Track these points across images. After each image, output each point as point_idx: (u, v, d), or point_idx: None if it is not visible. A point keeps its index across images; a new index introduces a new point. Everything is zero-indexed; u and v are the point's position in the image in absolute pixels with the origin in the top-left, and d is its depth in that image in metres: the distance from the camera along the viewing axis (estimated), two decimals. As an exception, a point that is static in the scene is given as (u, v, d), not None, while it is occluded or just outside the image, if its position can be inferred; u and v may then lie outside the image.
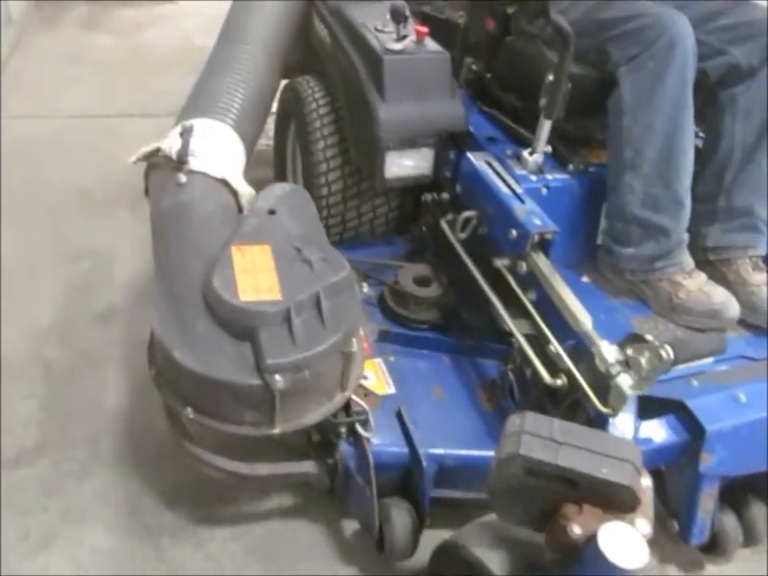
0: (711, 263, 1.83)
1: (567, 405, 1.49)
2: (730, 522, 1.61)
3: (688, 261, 1.74)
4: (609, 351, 1.36)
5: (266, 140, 2.73)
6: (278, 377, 1.36)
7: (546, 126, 1.72)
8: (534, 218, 1.59)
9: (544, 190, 1.76)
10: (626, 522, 1.14)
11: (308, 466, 1.59)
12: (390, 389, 1.71)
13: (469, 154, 1.81)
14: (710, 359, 1.42)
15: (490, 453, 1.63)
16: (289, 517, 1.76)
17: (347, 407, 1.60)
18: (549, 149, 1.79)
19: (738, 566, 1.70)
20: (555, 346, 1.49)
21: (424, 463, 1.52)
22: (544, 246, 1.59)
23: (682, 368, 1.44)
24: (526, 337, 1.60)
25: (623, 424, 1.37)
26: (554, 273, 1.55)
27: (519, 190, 1.68)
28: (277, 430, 1.46)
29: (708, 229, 1.83)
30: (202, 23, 4.11)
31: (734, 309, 1.67)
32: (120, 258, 2.46)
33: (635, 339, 1.34)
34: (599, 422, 1.38)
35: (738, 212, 1.80)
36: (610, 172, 1.73)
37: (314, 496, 1.75)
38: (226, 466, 1.53)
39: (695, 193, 1.83)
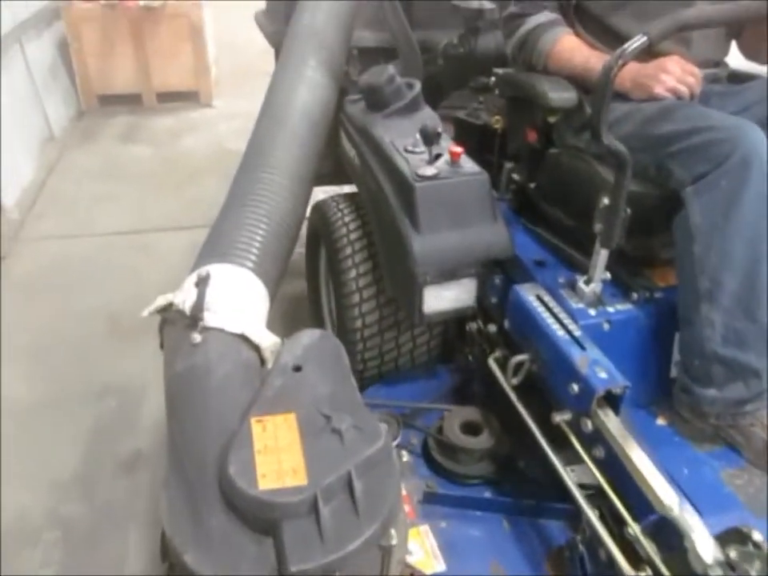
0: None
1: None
2: None
3: (782, 398, 1.48)
4: (706, 547, 1.11)
5: (299, 247, 2.60)
6: (302, 591, 1.15)
7: (603, 255, 1.51)
8: (599, 370, 1.36)
9: (606, 326, 1.54)
10: None
11: None
12: (440, 565, 1.47)
13: (517, 288, 1.61)
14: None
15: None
16: None
17: (391, 596, 1.37)
18: (607, 275, 1.57)
19: None
20: (634, 530, 1.24)
21: None
22: (613, 402, 1.36)
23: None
24: (600, 507, 1.36)
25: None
26: (626, 436, 1.31)
27: (577, 333, 1.46)
28: (307, 641, 1.24)
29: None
30: (235, 126, 4.09)
31: None
32: (148, 394, 2.32)
33: (738, 537, 1.09)
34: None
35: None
36: (683, 302, 1.50)
37: None
38: None
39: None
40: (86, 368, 2.44)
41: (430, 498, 1.59)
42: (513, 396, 1.56)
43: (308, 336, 1.62)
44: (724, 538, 1.11)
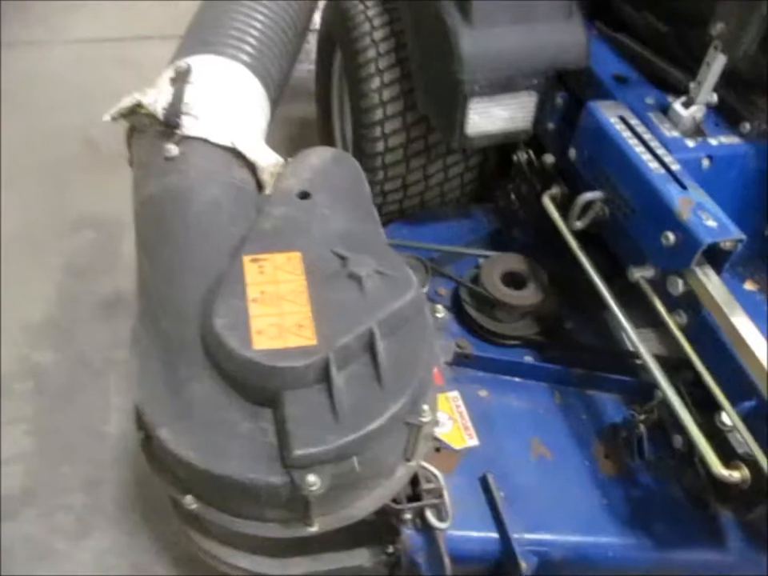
0: None
1: (751, 506, 0.99)
2: None
3: None
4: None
5: (308, 64, 2.19)
6: (311, 477, 0.89)
7: (717, 66, 1.13)
8: (706, 217, 1.03)
9: (705, 162, 1.19)
10: None
11: (360, 558, 1.15)
12: (472, 440, 1.24)
13: (593, 106, 1.23)
14: None
15: (611, 539, 1.19)
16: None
17: (415, 478, 1.14)
18: (714, 98, 1.20)
19: None
20: (732, 418, 0.97)
21: (521, 562, 1.07)
22: (717, 259, 1.05)
23: None
24: (683, 385, 1.09)
25: None
26: (732, 302, 1.01)
27: (675, 167, 1.11)
28: (314, 529, 1.01)
29: None
30: None
31: None
32: (130, 227, 1.99)
33: None
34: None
35: None
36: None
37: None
38: (247, 565, 1.10)
39: None
40: (60, 197, 2.11)
41: (461, 361, 1.32)
42: (573, 243, 1.24)
43: (318, 156, 1.26)
44: None
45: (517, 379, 1.33)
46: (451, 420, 1.26)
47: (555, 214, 1.30)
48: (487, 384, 1.32)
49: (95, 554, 1.36)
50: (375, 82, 1.48)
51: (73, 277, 1.86)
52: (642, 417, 1.18)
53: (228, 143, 1.15)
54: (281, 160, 1.25)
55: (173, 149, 1.11)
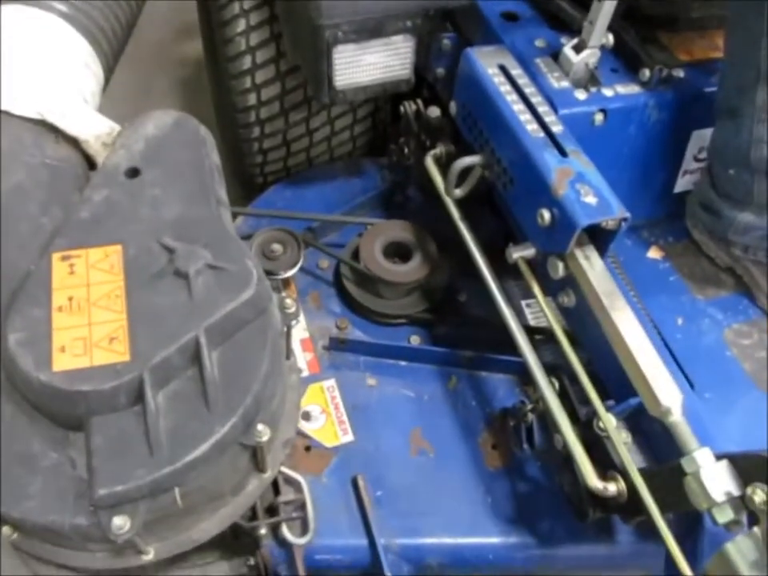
0: None
1: (623, 515, 0.90)
2: None
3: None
4: (714, 476, 0.74)
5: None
6: (117, 521, 0.77)
7: (608, 4, 0.96)
8: (585, 191, 0.88)
9: (599, 117, 1.04)
10: None
11: (218, 570, 1.05)
12: (347, 435, 1.13)
13: (470, 53, 1.06)
14: None
15: (493, 540, 1.10)
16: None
17: (275, 486, 1.03)
18: (609, 39, 1.03)
19: None
20: (607, 427, 0.86)
21: (386, 572, 0.98)
22: (600, 239, 0.91)
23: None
24: (561, 379, 0.98)
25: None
26: (615, 293, 0.88)
27: (557, 128, 0.96)
28: (150, 557, 0.90)
29: None
30: None
31: None
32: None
33: (757, 465, 0.72)
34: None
35: None
36: (728, 85, 1.00)
37: None
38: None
39: None
40: None
41: (339, 345, 1.20)
42: (453, 211, 1.10)
43: (156, 122, 1.08)
44: (743, 468, 0.73)
45: (402, 363, 1.21)
46: (324, 414, 1.14)
47: (437, 178, 1.15)
48: (368, 370, 1.20)
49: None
50: (240, 25, 1.28)
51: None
52: (531, 406, 1.07)
53: (35, 114, 0.97)
54: (116, 128, 1.07)
55: (-36, 124, 0.94)
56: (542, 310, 0.97)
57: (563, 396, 0.96)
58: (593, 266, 0.90)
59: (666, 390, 0.80)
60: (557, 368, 1.00)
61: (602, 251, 0.91)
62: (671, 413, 0.80)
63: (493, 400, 1.19)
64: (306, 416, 1.14)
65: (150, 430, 0.81)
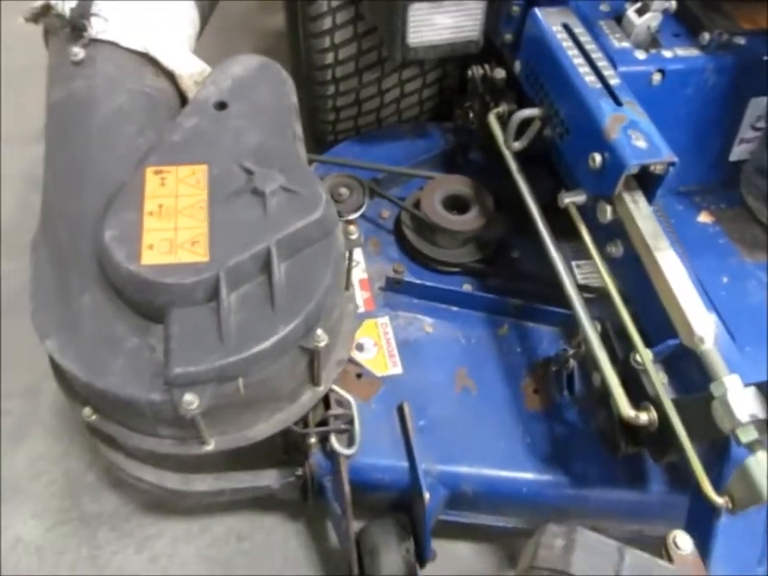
0: None
1: (657, 449, 0.94)
2: None
3: None
4: (740, 399, 0.78)
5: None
6: (188, 397, 0.87)
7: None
8: (637, 136, 0.94)
9: (657, 77, 1.09)
10: None
11: (268, 479, 1.14)
12: (396, 367, 1.20)
13: (537, 12, 1.12)
14: None
15: (527, 475, 1.16)
16: (259, 511, 1.36)
17: (327, 402, 1.11)
18: (672, 4, 1.08)
19: None
20: (643, 357, 0.91)
21: (425, 494, 1.04)
22: (648, 184, 0.96)
23: None
24: (603, 323, 1.03)
25: (747, 524, 0.81)
26: (660, 235, 0.93)
27: (614, 81, 1.01)
28: (210, 448, 1.00)
29: None
30: None
31: None
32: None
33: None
34: (706, 510, 0.83)
35: None
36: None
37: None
38: (152, 479, 1.10)
39: None
40: (21, 109, 2.05)
41: (394, 286, 1.27)
42: (512, 163, 1.16)
43: (243, 64, 1.18)
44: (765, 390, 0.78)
45: (453, 308, 1.27)
46: (376, 347, 1.22)
47: (498, 132, 1.21)
48: (420, 311, 1.27)
49: (29, 459, 1.39)
50: (324, -12, 1.38)
51: (32, 187, 1.82)
52: (572, 351, 1.13)
53: (140, 48, 1.09)
54: (207, 69, 1.18)
55: (79, 52, 1.05)
56: (590, 254, 1.02)
57: (605, 338, 1.01)
58: (640, 210, 0.95)
59: (700, 320, 0.85)
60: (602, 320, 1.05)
61: (650, 197, 0.96)
62: (704, 341, 0.84)
63: (538, 349, 1.24)
64: (360, 347, 1.22)
65: (222, 323, 0.90)
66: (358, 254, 1.32)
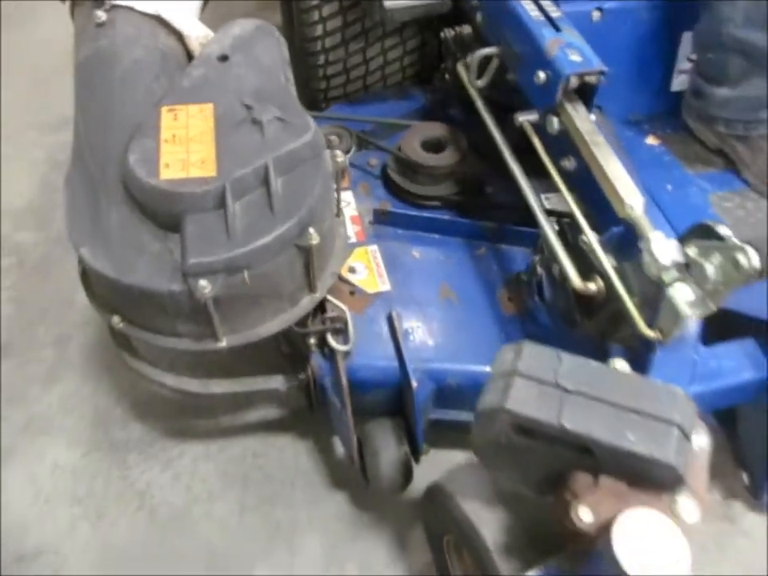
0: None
1: (606, 318, 1.09)
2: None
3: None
4: (663, 248, 0.93)
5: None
6: (202, 282, 1.03)
7: None
8: (572, 53, 1.11)
9: (596, 15, 1.26)
10: (661, 508, 0.78)
11: (276, 382, 1.29)
12: (385, 285, 1.35)
13: (490, -38, 1.31)
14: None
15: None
16: (273, 432, 1.50)
17: (323, 310, 1.27)
18: (609, -48, 1.26)
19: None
20: (588, 237, 1.07)
21: (413, 383, 1.19)
22: (585, 94, 1.13)
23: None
24: (560, 221, 1.18)
25: (677, 355, 0.96)
26: (595, 132, 1.09)
27: (555, 14, 1.18)
28: (223, 344, 1.15)
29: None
30: None
31: None
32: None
33: (704, 233, 0.91)
34: (643, 348, 0.98)
35: None
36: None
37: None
38: (171, 383, 1.25)
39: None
40: (46, 100, 2.26)
41: (381, 219, 1.43)
42: (477, 100, 1.33)
43: (242, 26, 1.37)
44: (687, 237, 0.93)
45: (435, 236, 1.43)
46: (367, 269, 1.38)
47: (465, 77, 1.38)
48: (406, 240, 1.42)
49: (62, 398, 1.54)
50: (311, -33, 1.57)
51: (55, 169, 2.02)
52: (538, 258, 1.28)
53: (153, 11, 1.27)
54: (211, 33, 1.36)
55: (102, 15, 1.24)
56: (546, 168, 1.18)
57: (561, 234, 1.17)
58: (580, 116, 1.11)
59: (629, 193, 1.00)
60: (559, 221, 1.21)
61: (588, 104, 1.12)
62: (633, 209, 0.99)
63: (512, 266, 1.39)
64: (352, 270, 1.37)
65: (228, 224, 1.07)
66: (349, 196, 1.48)
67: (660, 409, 0.78)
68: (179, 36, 1.31)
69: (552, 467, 0.85)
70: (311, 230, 1.11)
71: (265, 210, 1.09)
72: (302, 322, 1.23)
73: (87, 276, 1.22)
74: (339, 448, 1.45)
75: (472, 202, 1.45)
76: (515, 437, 0.82)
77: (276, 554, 1.34)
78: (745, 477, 1.13)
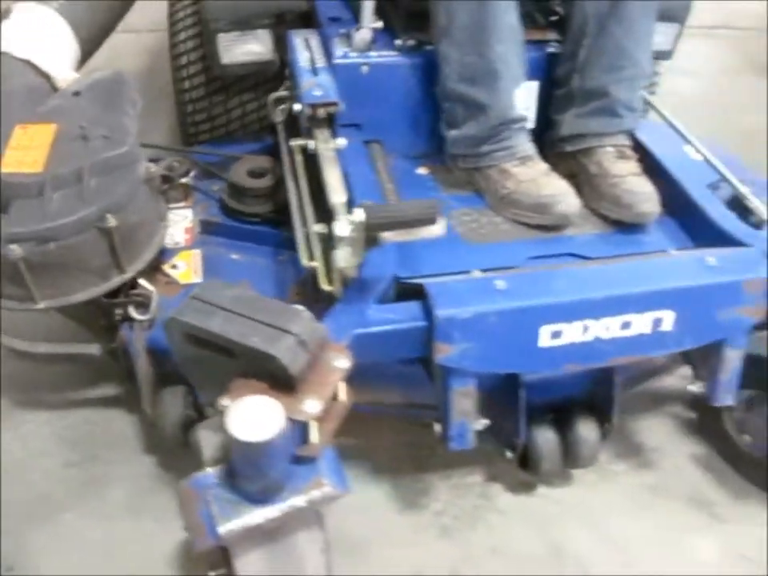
0: (573, 156, 1.63)
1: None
2: (544, 438, 1.48)
3: (523, 147, 1.55)
4: (340, 226, 1.23)
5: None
6: (13, 246, 1.34)
7: (369, 2, 1.55)
8: (316, 89, 1.45)
9: (365, 68, 1.60)
10: (287, 401, 1.05)
11: (93, 349, 1.58)
12: (197, 278, 1.65)
13: (290, 33, 1.68)
14: (438, 233, 1.22)
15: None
16: (108, 406, 1.77)
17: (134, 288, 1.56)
18: (379, 24, 1.62)
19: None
20: (308, 227, 1.38)
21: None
22: (331, 122, 1.46)
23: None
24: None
25: (349, 305, 1.25)
26: (330, 151, 1.42)
27: (320, 65, 1.54)
28: (40, 306, 1.45)
29: (563, 116, 1.63)
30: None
31: (568, 203, 1.48)
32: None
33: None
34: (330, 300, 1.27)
35: (591, 94, 1.58)
36: (436, 43, 1.56)
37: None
38: (5, 342, 1.54)
39: (554, 76, 1.64)
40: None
41: (208, 229, 1.75)
42: (280, 131, 1.68)
43: (102, 73, 1.75)
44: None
45: (249, 244, 1.75)
46: (187, 267, 1.68)
47: (277, 117, 1.74)
48: (226, 247, 1.74)
49: None
50: (181, 34, 1.97)
51: None
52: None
53: (25, 57, 1.65)
54: (76, 75, 1.74)
55: (-9, 57, 1.62)
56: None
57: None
58: (321, 137, 1.45)
59: (336, 189, 1.33)
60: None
61: (333, 130, 1.46)
62: (337, 200, 1.31)
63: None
64: (174, 267, 1.68)
65: (44, 207, 1.39)
66: (189, 212, 1.81)
67: (285, 323, 1.06)
68: (46, 76, 1.68)
69: (227, 376, 1.12)
70: (109, 215, 1.42)
71: (77, 201, 1.41)
72: (114, 297, 1.53)
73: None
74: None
75: (282, 218, 1.77)
76: (187, 345, 1.11)
77: (86, 501, 1.58)
78: (437, 427, 1.38)
